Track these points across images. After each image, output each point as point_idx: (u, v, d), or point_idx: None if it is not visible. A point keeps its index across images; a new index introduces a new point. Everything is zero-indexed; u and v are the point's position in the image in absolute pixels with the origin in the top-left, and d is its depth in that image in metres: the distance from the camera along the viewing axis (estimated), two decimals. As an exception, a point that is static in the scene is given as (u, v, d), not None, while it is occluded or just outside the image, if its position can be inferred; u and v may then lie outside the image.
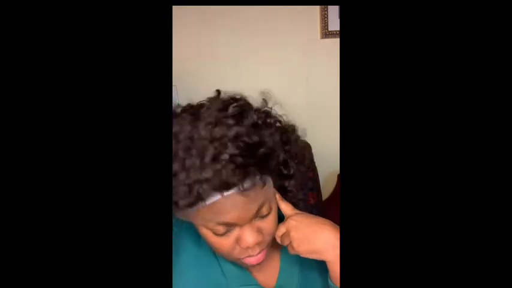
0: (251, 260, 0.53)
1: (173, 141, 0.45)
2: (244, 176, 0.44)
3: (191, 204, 0.46)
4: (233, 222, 0.48)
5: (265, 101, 0.53)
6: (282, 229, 0.53)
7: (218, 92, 0.54)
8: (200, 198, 0.45)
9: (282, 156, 0.52)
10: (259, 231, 0.51)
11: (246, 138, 0.45)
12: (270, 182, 0.50)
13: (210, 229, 0.49)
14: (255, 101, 0.53)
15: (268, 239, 0.53)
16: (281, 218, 0.55)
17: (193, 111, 0.49)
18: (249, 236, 0.49)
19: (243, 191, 0.45)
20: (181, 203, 0.45)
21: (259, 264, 0.54)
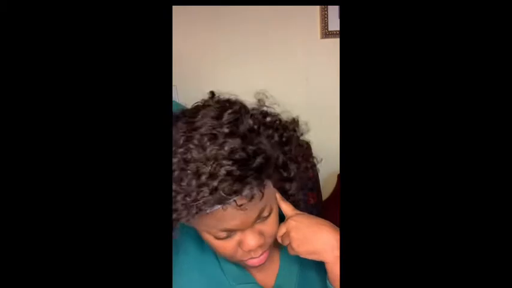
0: (253, 262, 0.53)
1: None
2: (242, 187, 0.44)
3: (189, 220, 0.46)
4: (234, 228, 0.48)
5: (261, 101, 0.53)
6: (282, 229, 0.54)
7: (212, 93, 0.53)
8: (200, 211, 0.45)
9: (281, 159, 0.51)
10: (261, 233, 0.51)
11: (241, 152, 0.44)
12: (269, 185, 0.50)
13: (212, 234, 0.50)
14: (252, 103, 0.52)
15: (269, 240, 0.53)
16: (282, 217, 0.55)
17: (188, 119, 0.48)
18: (251, 240, 0.50)
19: (239, 206, 0.45)
20: (183, 219, 0.46)
21: (261, 265, 0.54)
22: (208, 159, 0.43)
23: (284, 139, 0.52)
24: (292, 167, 0.53)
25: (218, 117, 0.47)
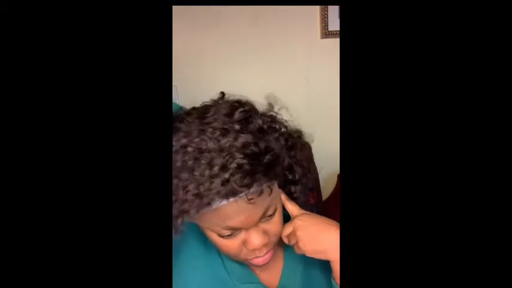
0: (258, 261, 0.54)
1: (181, 152, 0.46)
2: (252, 183, 0.45)
3: (197, 211, 0.46)
4: (238, 226, 0.49)
5: (270, 105, 0.54)
6: (288, 229, 0.54)
7: (222, 94, 0.54)
8: (207, 204, 0.45)
9: (287, 161, 0.52)
10: (265, 232, 0.51)
11: (253, 147, 0.45)
12: (275, 185, 0.51)
13: (216, 232, 0.50)
14: (261, 105, 0.53)
15: (274, 239, 0.54)
16: (286, 217, 0.55)
17: (199, 115, 0.49)
18: (255, 238, 0.50)
19: (249, 199, 0.45)
20: (191, 212, 0.46)
21: (266, 264, 0.55)
22: (222, 150, 0.44)
23: (289, 143, 0.54)
24: (298, 169, 0.55)
25: (229, 114, 0.48)
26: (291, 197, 0.56)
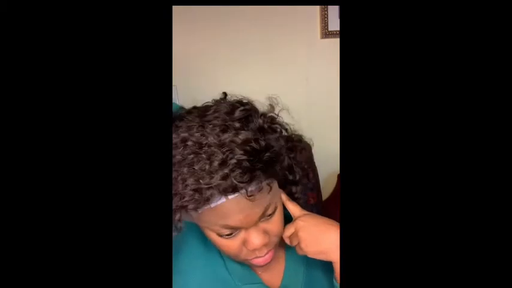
0: (259, 261, 0.53)
1: (181, 146, 0.46)
2: (251, 180, 0.44)
3: (197, 208, 0.46)
4: (238, 225, 0.48)
5: (271, 106, 0.54)
6: (290, 229, 0.54)
7: (225, 94, 0.54)
8: (206, 201, 0.45)
9: (287, 161, 0.52)
10: (266, 232, 0.51)
11: (253, 144, 0.45)
12: (275, 184, 0.51)
13: (215, 231, 0.50)
14: (261, 105, 0.53)
15: (274, 239, 0.53)
16: (287, 218, 0.55)
17: (199, 113, 0.49)
18: (255, 238, 0.50)
19: (249, 196, 0.45)
20: (189, 207, 0.46)
21: (266, 264, 0.54)
22: (222, 145, 0.44)
23: (289, 145, 0.54)
24: (297, 170, 0.55)
25: (230, 113, 0.48)
26: (292, 197, 0.56)
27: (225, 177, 0.43)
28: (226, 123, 0.46)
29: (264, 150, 0.46)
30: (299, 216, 0.54)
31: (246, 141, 0.45)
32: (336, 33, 1.55)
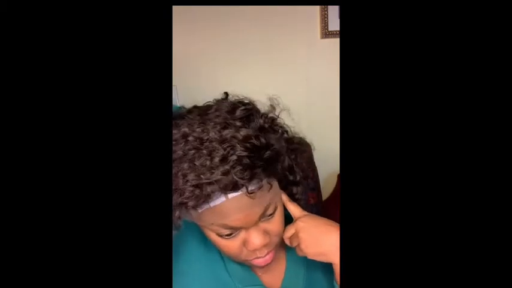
0: (259, 262, 0.53)
1: (182, 141, 0.46)
2: (251, 177, 0.44)
3: (197, 205, 0.46)
4: (237, 225, 0.48)
5: (272, 107, 0.54)
6: (290, 230, 0.53)
7: (226, 94, 0.54)
8: (207, 199, 0.45)
9: (287, 162, 0.52)
10: (266, 232, 0.51)
11: (254, 140, 0.45)
12: (276, 184, 0.51)
13: (215, 231, 0.49)
14: (263, 105, 0.53)
15: (275, 240, 0.53)
16: (288, 218, 0.55)
17: (201, 112, 0.49)
18: (255, 238, 0.49)
19: (249, 193, 0.45)
20: (189, 203, 0.45)
21: (267, 265, 0.54)
22: (223, 141, 0.44)
23: (290, 147, 0.54)
24: (298, 170, 0.55)
25: (231, 112, 0.48)
26: (293, 198, 0.56)
27: (225, 173, 0.43)
28: (227, 122, 0.46)
29: (264, 147, 0.46)
30: (299, 217, 0.54)
31: (247, 138, 0.45)
32: (336, 33, 1.55)
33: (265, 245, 0.51)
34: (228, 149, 0.44)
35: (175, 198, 0.46)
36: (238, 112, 0.48)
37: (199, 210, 0.47)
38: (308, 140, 0.60)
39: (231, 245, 0.50)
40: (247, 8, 1.52)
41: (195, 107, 0.52)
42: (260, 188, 0.46)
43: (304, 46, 1.60)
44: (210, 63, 1.62)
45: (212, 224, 0.48)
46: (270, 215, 0.50)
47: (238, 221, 0.47)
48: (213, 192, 0.44)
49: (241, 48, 1.60)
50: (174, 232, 0.48)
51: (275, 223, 0.52)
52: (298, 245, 0.53)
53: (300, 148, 0.56)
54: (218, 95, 0.54)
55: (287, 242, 0.54)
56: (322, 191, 1.42)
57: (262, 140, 0.46)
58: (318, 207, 1.24)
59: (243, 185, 0.44)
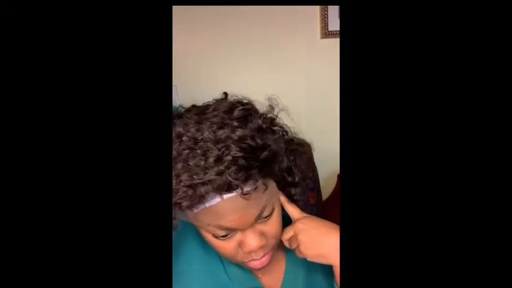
0: (255, 264, 0.52)
1: (176, 141, 0.45)
2: (246, 178, 0.44)
3: (191, 206, 0.46)
4: (233, 226, 0.47)
5: (271, 107, 0.53)
6: (289, 232, 0.53)
7: (225, 94, 0.54)
8: (201, 199, 0.45)
9: (286, 163, 0.52)
10: (262, 234, 0.50)
11: (250, 141, 0.45)
12: (273, 185, 0.50)
13: (210, 232, 0.49)
14: (262, 105, 0.53)
15: (272, 242, 0.52)
16: (286, 220, 0.55)
17: (198, 111, 0.49)
18: (251, 240, 0.49)
19: (244, 194, 0.44)
20: (183, 204, 0.45)
21: (264, 267, 0.54)
22: (218, 141, 0.44)
23: (289, 148, 0.53)
24: (297, 172, 0.54)
25: (229, 111, 0.48)
26: (291, 199, 0.56)
27: (219, 174, 0.43)
28: (224, 121, 0.46)
29: (261, 148, 0.45)
30: (298, 219, 0.53)
31: (242, 138, 0.44)
32: (336, 33, 1.55)
33: (261, 247, 0.50)
34: (223, 149, 0.43)
35: None
36: (236, 112, 0.48)
37: (195, 211, 0.46)
38: (308, 140, 0.60)
39: (226, 246, 0.50)
40: (247, 8, 1.53)
41: (193, 106, 0.52)
42: (255, 189, 0.45)
43: (304, 46, 1.60)
44: (210, 63, 1.62)
45: (208, 224, 0.48)
46: (267, 216, 0.50)
47: (233, 222, 0.47)
48: (206, 192, 0.44)
49: (241, 48, 1.60)
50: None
51: (272, 225, 0.51)
52: (298, 247, 0.52)
53: (299, 149, 0.55)
54: (218, 95, 0.54)
55: (286, 244, 0.54)
56: (322, 191, 1.42)
57: (259, 140, 0.46)
58: (317, 207, 1.24)
59: (237, 186, 0.44)
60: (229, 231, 0.48)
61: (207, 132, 0.45)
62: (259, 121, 0.49)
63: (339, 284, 0.52)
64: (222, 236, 0.49)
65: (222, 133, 0.44)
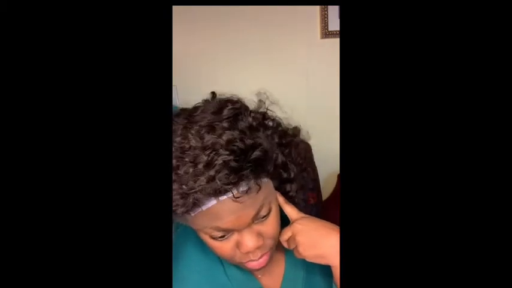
0: (253, 265, 0.52)
1: None
2: (238, 180, 0.43)
3: (187, 211, 0.46)
4: (229, 227, 0.47)
5: (261, 101, 0.53)
6: (287, 233, 0.53)
7: (213, 94, 0.53)
8: (196, 205, 0.45)
9: (280, 159, 0.51)
10: (260, 235, 0.50)
11: (238, 143, 0.44)
12: (269, 183, 0.50)
13: (208, 234, 0.49)
14: (253, 102, 0.52)
15: (269, 242, 0.52)
16: (285, 220, 0.54)
17: (186, 115, 0.48)
18: (248, 240, 0.48)
19: (236, 198, 0.44)
20: (179, 210, 0.45)
21: (262, 268, 0.53)
22: (205, 148, 0.43)
23: (284, 141, 0.52)
24: (292, 167, 0.53)
25: (218, 112, 0.47)
26: (287, 195, 0.55)
27: (210, 180, 0.42)
28: (213, 124, 0.45)
29: (250, 148, 0.45)
30: (296, 219, 0.53)
31: (230, 141, 0.44)
32: (336, 33, 1.56)
33: (258, 248, 0.50)
34: (212, 154, 0.43)
35: None
36: (226, 112, 0.47)
37: (192, 214, 0.46)
38: (308, 140, 0.59)
39: (224, 247, 0.50)
40: (247, 8, 1.53)
41: (182, 109, 0.51)
42: (247, 191, 0.45)
43: (304, 46, 1.60)
44: (210, 63, 1.62)
45: (206, 227, 0.48)
46: (264, 216, 0.49)
47: (230, 223, 0.46)
48: (199, 199, 0.44)
49: (241, 48, 1.61)
50: None
51: (269, 225, 0.50)
52: (296, 247, 0.52)
53: (294, 141, 0.54)
54: (217, 95, 0.54)
55: (284, 244, 0.54)
56: (322, 191, 1.42)
57: (248, 141, 0.45)
58: (318, 207, 1.24)
59: (230, 189, 0.43)
60: (226, 232, 0.48)
61: (194, 141, 0.44)
62: (250, 119, 0.48)
63: (338, 285, 0.52)
64: (220, 237, 0.49)
65: (208, 139, 0.44)
